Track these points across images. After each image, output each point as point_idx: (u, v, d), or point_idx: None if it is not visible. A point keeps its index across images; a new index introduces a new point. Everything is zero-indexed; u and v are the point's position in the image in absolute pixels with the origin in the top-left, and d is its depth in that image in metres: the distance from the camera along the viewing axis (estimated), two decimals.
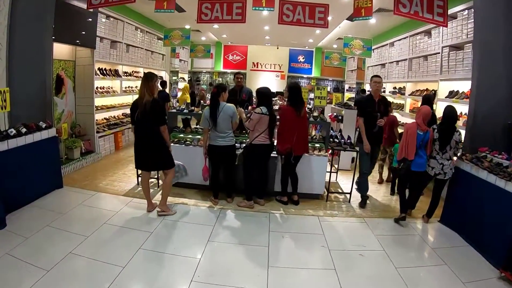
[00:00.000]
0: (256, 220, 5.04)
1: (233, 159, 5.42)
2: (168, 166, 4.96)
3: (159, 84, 5.54)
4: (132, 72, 10.58)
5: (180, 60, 15.34)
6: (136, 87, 10.78)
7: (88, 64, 7.75)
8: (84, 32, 7.38)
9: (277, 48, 17.44)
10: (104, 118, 9.01)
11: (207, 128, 5.16)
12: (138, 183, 6.28)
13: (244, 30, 13.46)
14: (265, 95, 5.32)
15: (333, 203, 5.96)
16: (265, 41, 15.85)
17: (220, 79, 18.31)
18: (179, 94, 13.87)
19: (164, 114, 4.65)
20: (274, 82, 17.72)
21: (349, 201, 6.00)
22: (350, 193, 6.03)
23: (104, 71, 8.81)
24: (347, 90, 16.16)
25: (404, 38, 9.59)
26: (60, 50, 7.16)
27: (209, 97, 5.43)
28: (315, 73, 18.49)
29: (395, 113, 9.18)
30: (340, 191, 6.52)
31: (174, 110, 7.08)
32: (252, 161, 5.38)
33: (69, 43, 7.20)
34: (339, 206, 5.81)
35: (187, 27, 11.28)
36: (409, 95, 9.18)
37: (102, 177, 6.62)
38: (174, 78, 14.69)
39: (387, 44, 10.97)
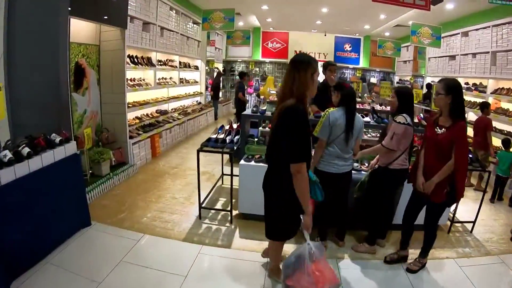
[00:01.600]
0: (392, 274, 3.50)
1: (349, 190, 3.86)
2: (275, 236, 3.04)
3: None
4: (167, 60, 8.80)
5: (216, 48, 13.53)
6: (170, 78, 8.98)
7: (117, 48, 5.96)
8: (112, 7, 5.54)
9: (325, 35, 15.42)
10: (136, 118, 7.27)
11: (325, 140, 3.49)
12: (199, 216, 4.54)
13: (295, 12, 11.51)
14: (407, 96, 3.58)
15: (456, 235, 4.51)
16: (314, 26, 13.90)
17: (257, 69, 16.37)
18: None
19: (303, 139, 2.53)
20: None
21: (471, 231, 4.61)
22: (474, 222, 4.63)
23: (136, 59, 7.02)
24: (397, 82, 15.01)
25: (485, 28, 8.24)
26: (80, 30, 5.41)
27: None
28: (363, 63, 16.56)
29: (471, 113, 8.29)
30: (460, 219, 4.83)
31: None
32: (386, 192, 3.78)
33: (92, 20, 5.34)
34: (465, 240, 4.40)
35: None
36: (491, 93, 7.92)
37: (145, 205, 4.86)
38: (207, 68, 12.85)
39: (458, 34, 9.56)
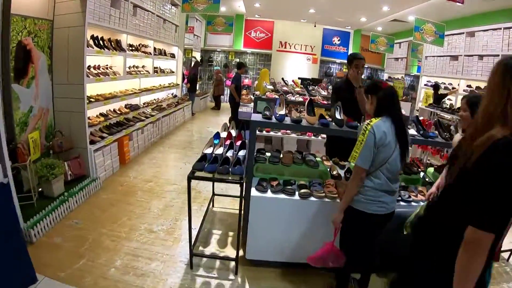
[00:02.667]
0: None
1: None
2: None
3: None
4: (139, 45, 7.35)
5: (194, 35, 12.10)
6: (143, 67, 7.55)
7: (76, 25, 4.48)
8: None
9: (315, 26, 14.23)
10: (101, 115, 5.81)
11: (366, 170, 2.37)
12: (190, 265, 3.19)
13: None
14: None
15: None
16: (306, 15, 12.61)
17: (238, 59, 14.98)
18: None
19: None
20: (304, 67, 14.63)
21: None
22: None
23: (101, 42, 5.56)
24: (387, 80, 13.83)
25: (494, 29, 7.75)
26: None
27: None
28: None
29: None
30: None
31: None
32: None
33: None
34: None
35: None
36: None
37: (112, 244, 3.48)
38: (183, 57, 11.45)
39: (462, 33, 8.99)
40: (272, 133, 5.88)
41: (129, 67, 6.95)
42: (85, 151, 4.72)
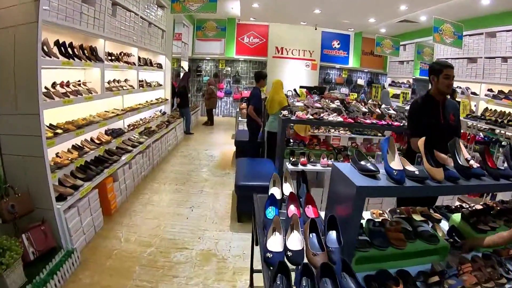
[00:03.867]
0: None
1: None
2: None
3: None
4: (121, 54, 5.78)
5: (182, 43, 10.61)
6: (126, 80, 6.08)
7: (25, 23, 2.89)
8: None
9: (315, 29, 12.92)
10: (73, 148, 4.18)
11: None
12: None
13: None
14: None
15: None
16: (308, 17, 11.25)
17: (229, 68, 13.48)
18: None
19: None
20: (303, 73, 13.28)
21: None
22: None
23: (69, 49, 3.98)
24: (389, 84, 13.08)
25: None
26: None
27: None
28: (353, 63, 14.27)
29: None
30: None
31: None
32: None
33: None
34: None
35: None
36: None
37: None
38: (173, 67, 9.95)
39: (481, 34, 8.33)
40: (309, 166, 4.44)
41: (109, 82, 5.38)
42: (51, 212, 3.12)
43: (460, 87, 9.02)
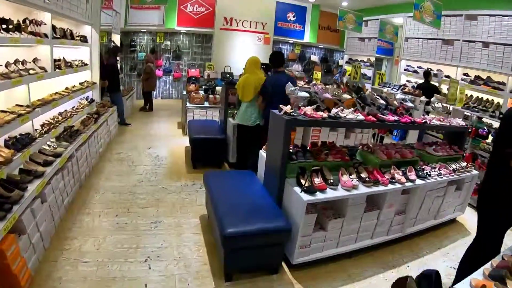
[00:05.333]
0: None
1: None
2: None
3: None
4: (24, 21, 3.86)
5: (113, 12, 8.51)
6: (35, 60, 4.21)
7: None
8: None
9: None
10: None
11: None
12: None
13: None
14: None
15: None
16: None
17: (169, 42, 11.46)
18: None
19: None
20: (254, 48, 11.59)
21: None
22: None
23: None
24: (347, 62, 12.27)
25: (505, 15, 6.97)
26: None
27: None
28: (310, 37, 13.03)
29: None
30: None
31: None
32: None
33: None
34: None
35: None
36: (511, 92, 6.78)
37: None
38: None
39: (460, 15, 8.02)
40: (330, 193, 3.18)
41: (6, 65, 3.45)
42: None
43: (431, 69, 8.59)
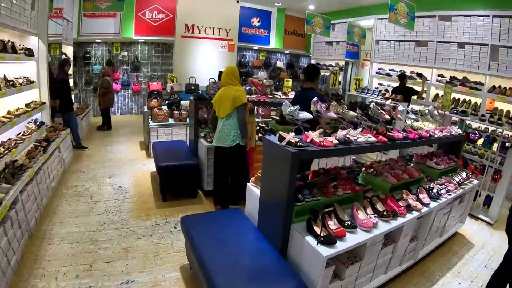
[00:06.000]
0: None
1: None
2: None
3: None
4: None
5: (64, 21, 7.60)
6: None
7: None
8: None
9: (237, 2, 10.82)
10: None
11: None
12: None
13: None
14: None
15: None
16: None
17: (126, 53, 10.56)
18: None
19: None
20: (218, 56, 11.04)
21: None
22: None
23: None
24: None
25: (482, 16, 7.05)
26: None
27: None
28: (276, 43, 12.54)
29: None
30: None
31: None
32: None
33: None
34: None
35: None
36: (489, 91, 6.96)
37: None
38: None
39: (433, 16, 8.00)
40: (351, 239, 2.68)
41: None
42: None
43: (403, 71, 8.33)
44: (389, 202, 3.13)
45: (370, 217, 2.83)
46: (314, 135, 2.68)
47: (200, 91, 6.86)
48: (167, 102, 7.48)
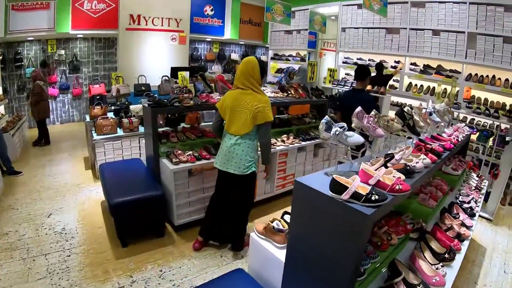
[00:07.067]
0: None
1: None
2: None
3: None
4: None
5: None
6: None
7: None
8: None
9: None
10: None
11: None
12: None
13: None
14: None
15: None
16: None
17: (63, 51, 9.21)
18: None
19: None
20: (168, 50, 9.89)
21: None
22: None
23: None
24: (272, 58, 11.07)
25: (458, 2, 6.81)
26: None
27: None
28: (231, 34, 11.61)
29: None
30: None
31: None
32: None
33: None
34: None
35: None
36: (466, 79, 6.80)
37: None
38: None
39: (405, 2, 7.63)
40: None
41: None
42: None
43: (372, 60, 8.22)
44: (439, 236, 2.60)
45: (437, 268, 2.22)
46: (380, 173, 1.85)
47: (152, 92, 5.89)
48: (113, 108, 6.28)
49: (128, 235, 3.88)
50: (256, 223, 2.73)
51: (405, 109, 2.68)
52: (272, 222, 2.58)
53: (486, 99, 6.64)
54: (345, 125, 2.11)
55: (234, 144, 3.28)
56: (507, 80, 6.29)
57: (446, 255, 2.41)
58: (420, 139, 2.88)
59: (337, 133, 2.07)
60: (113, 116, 5.84)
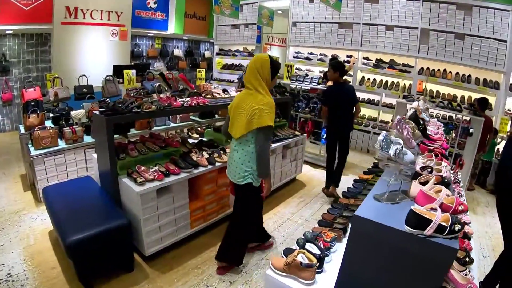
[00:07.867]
0: None
1: None
2: None
3: None
4: None
5: None
6: None
7: None
8: None
9: None
10: None
11: None
12: None
13: None
14: None
15: None
16: None
17: None
18: None
19: None
20: (107, 46, 9.07)
21: None
22: None
23: None
24: (217, 53, 10.98)
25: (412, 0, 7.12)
26: None
27: None
28: (176, 28, 10.99)
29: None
30: None
31: None
32: None
33: None
34: None
35: None
36: (419, 73, 7.21)
37: None
38: None
39: None
40: None
41: None
42: None
43: (324, 54, 8.38)
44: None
45: (465, 274, 2.08)
46: (442, 195, 1.66)
47: (95, 95, 5.48)
48: (51, 115, 5.42)
49: (91, 276, 3.13)
50: (273, 258, 2.39)
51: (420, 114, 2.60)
52: (296, 256, 2.26)
53: (438, 92, 7.01)
54: (401, 141, 1.90)
55: (233, 149, 3.06)
56: (457, 73, 6.64)
57: (467, 259, 2.34)
58: (422, 141, 2.77)
59: (397, 152, 1.84)
60: (52, 125, 5.03)
